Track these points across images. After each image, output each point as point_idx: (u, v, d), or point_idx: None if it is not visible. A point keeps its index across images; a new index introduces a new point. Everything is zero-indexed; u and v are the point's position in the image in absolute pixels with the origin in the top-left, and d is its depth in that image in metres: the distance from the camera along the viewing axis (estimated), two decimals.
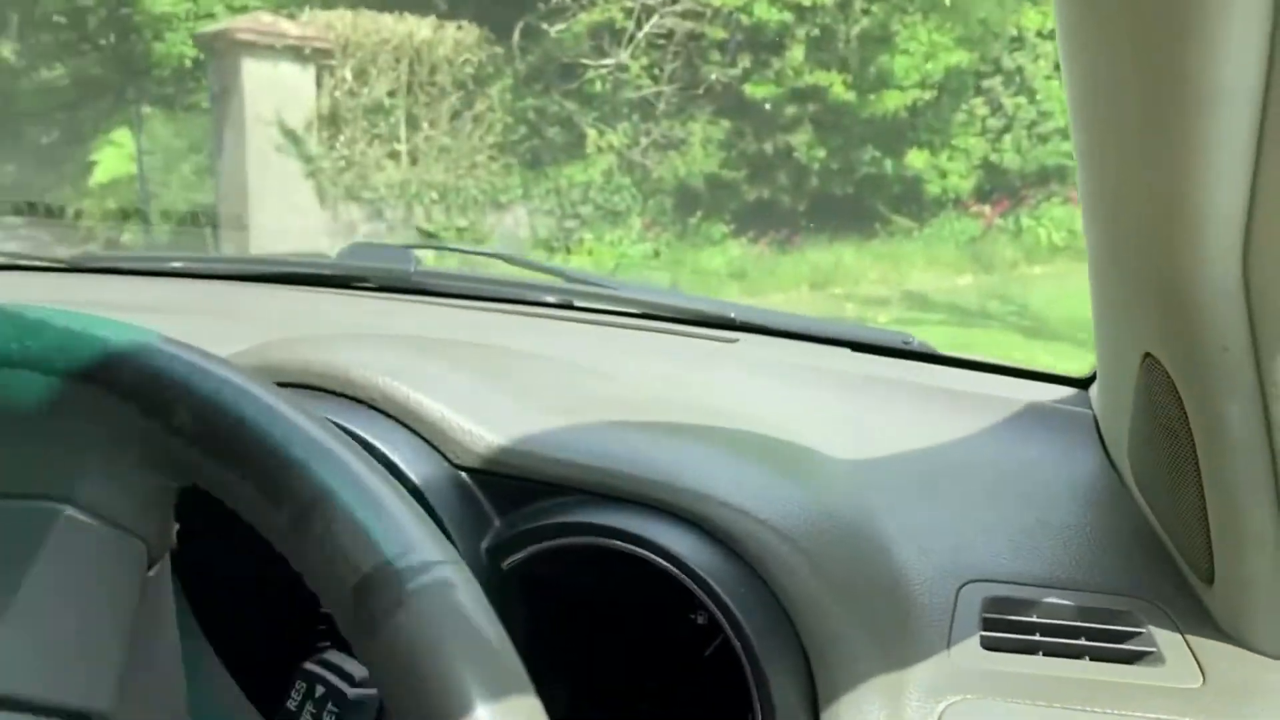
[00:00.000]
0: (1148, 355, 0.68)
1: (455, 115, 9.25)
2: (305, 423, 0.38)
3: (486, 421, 0.76)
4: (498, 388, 0.82)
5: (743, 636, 0.66)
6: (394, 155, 9.16)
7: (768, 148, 9.20)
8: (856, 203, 9.04)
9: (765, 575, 0.70)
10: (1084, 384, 1.05)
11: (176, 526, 0.44)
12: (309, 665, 0.67)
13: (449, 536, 0.69)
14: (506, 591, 0.72)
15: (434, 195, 9.08)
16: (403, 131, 9.14)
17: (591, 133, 9.26)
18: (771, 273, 8.70)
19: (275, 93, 8.77)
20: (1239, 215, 0.55)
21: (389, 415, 0.74)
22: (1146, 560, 0.78)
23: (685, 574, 0.67)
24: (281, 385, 0.75)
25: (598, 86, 9.35)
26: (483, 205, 9.14)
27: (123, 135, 10.13)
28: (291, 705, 0.67)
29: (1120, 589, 0.76)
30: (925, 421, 0.99)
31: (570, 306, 1.31)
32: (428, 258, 1.41)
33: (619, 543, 0.69)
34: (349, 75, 9.01)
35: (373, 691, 0.67)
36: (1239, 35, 0.46)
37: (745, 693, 0.67)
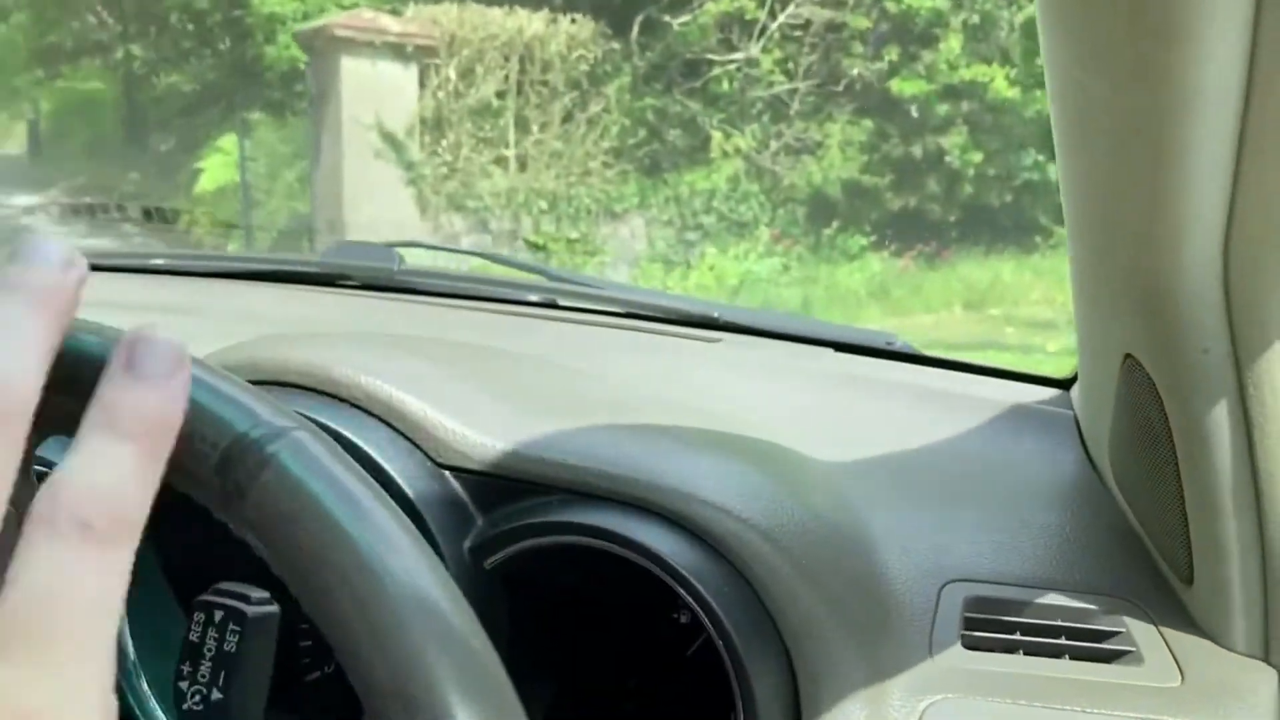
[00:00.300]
0: (1129, 357, 0.69)
1: (568, 117, 8.59)
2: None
3: (469, 420, 0.75)
4: (481, 387, 0.82)
5: (725, 635, 0.66)
6: (501, 161, 8.53)
7: (915, 151, 8.29)
8: (1016, 212, 8.10)
9: (747, 574, 0.70)
10: (1065, 385, 1.05)
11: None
12: (203, 597, 0.68)
13: (431, 535, 0.69)
14: (489, 590, 0.71)
15: (543, 204, 8.37)
16: (510, 135, 8.53)
17: (716, 135, 8.44)
18: (918, 291, 7.81)
19: (374, 94, 8.19)
20: (1220, 218, 0.55)
21: (371, 414, 0.74)
22: (1126, 560, 0.79)
23: (667, 573, 0.67)
24: (262, 383, 0.74)
25: (724, 84, 8.52)
26: (596, 215, 8.41)
27: (229, 142, 9.83)
28: (194, 637, 0.67)
29: (1100, 589, 0.76)
30: (908, 422, 0.99)
31: (554, 305, 1.31)
32: (411, 256, 1.41)
33: (602, 542, 0.69)
34: (453, 74, 8.41)
35: (273, 608, 0.68)
36: (1220, 38, 0.47)
37: (727, 691, 0.67)
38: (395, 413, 0.74)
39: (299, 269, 1.39)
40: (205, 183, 9.71)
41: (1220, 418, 0.63)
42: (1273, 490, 0.64)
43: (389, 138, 8.27)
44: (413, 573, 0.35)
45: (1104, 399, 0.79)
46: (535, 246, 8.00)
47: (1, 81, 13.75)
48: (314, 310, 1.27)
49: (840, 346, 1.20)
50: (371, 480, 0.37)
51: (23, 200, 10.18)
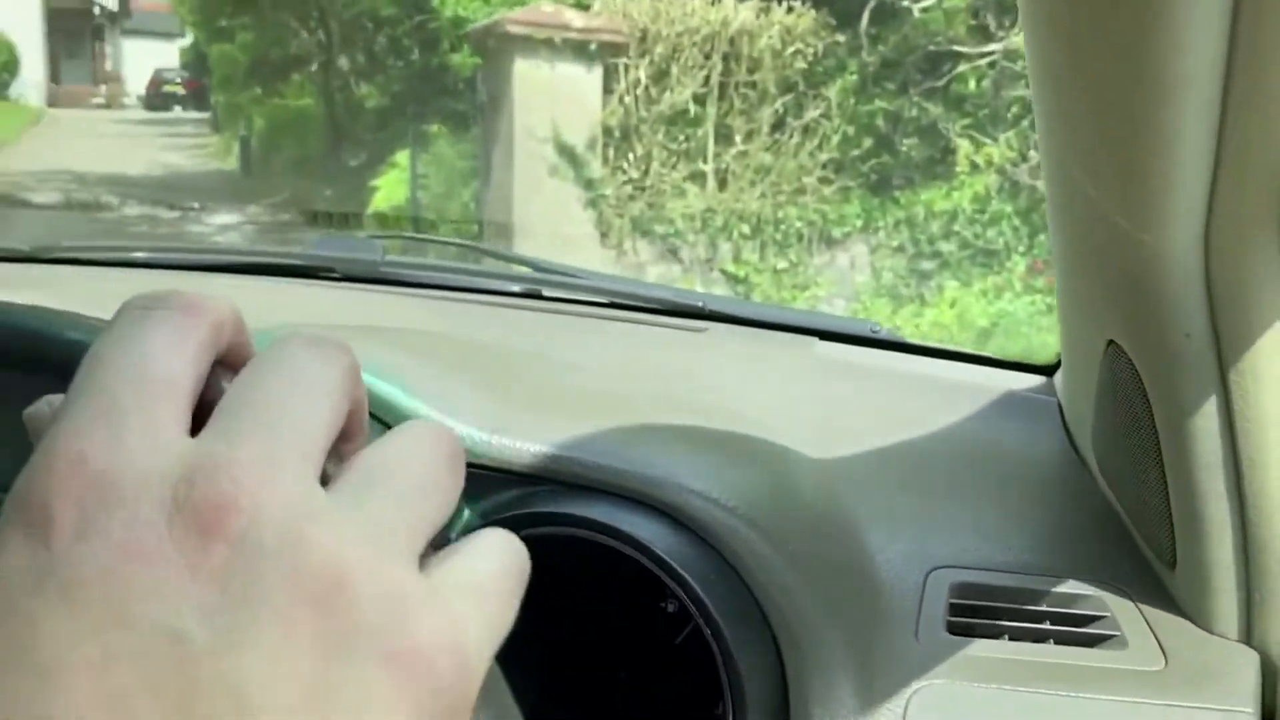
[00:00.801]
0: (1111, 343, 0.69)
1: (778, 125, 7.05)
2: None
3: (456, 412, 0.75)
4: (466, 378, 0.82)
5: (712, 623, 0.67)
6: (697, 177, 7.05)
7: None
8: None
9: (735, 563, 0.70)
10: (1049, 371, 1.06)
11: None
12: None
13: None
14: None
15: (745, 229, 6.89)
16: (709, 147, 7.03)
17: (962, 145, 6.65)
18: None
19: (551, 100, 6.99)
20: (1201, 204, 0.56)
21: None
22: (1110, 545, 0.79)
23: (655, 562, 0.68)
24: None
25: (971, 84, 6.75)
26: (809, 241, 6.88)
27: (406, 157, 9.30)
28: None
29: (1084, 573, 0.76)
30: (893, 409, 1.00)
31: (539, 296, 1.31)
32: (395, 247, 1.40)
33: (589, 532, 0.69)
34: (644, 76, 7.00)
35: None
36: (1200, 24, 0.47)
37: (715, 680, 0.67)
38: (381, 404, 0.74)
39: (283, 261, 1.38)
40: (379, 201, 9.16)
41: (1202, 402, 0.63)
42: (1254, 474, 0.65)
43: (566, 151, 6.97)
44: None
45: (1087, 385, 0.79)
46: (735, 279, 6.86)
47: (228, 99, 13.81)
48: (298, 303, 1.27)
49: (826, 335, 1.20)
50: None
51: (221, 219, 9.93)
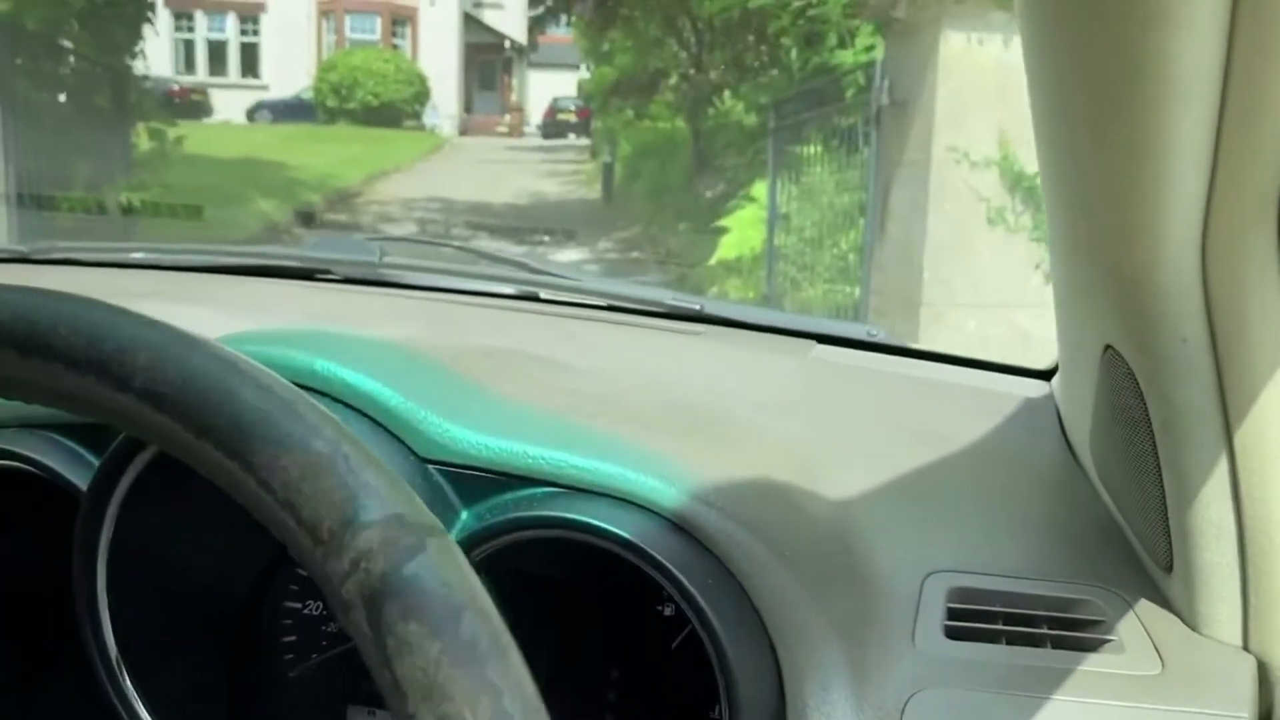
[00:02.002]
0: (1108, 347, 0.69)
1: None
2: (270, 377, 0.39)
3: (452, 414, 0.75)
4: (463, 380, 0.82)
5: (709, 627, 0.66)
6: None
7: None
8: None
9: (731, 567, 0.70)
10: (1046, 375, 1.06)
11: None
12: None
13: None
14: None
15: None
16: None
17: None
18: None
19: (996, 98, 4.39)
20: (1198, 209, 0.56)
21: (353, 407, 0.74)
22: (1107, 549, 0.79)
23: (652, 566, 0.68)
24: None
25: None
26: None
27: (764, 189, 7.10)
28: None
29: (1081, 578, 0.76)
30: (890, 413, 1.00)
31: (535, 298, 1.31)
32: (392, 249, 1.40)
33: (586, 535, 0.69)
34: None
35: None
36: (1198, 29, 0.47)
37: (712, 683, 0.67)
38: (378, 406, 0.74)
39: (281, 263, 1.38)
40: (726, 248, 7.13)
41: (1199, 407, 0.63)
42: (1251, 479, 0.65)
43: (1017, 179, 4.55)
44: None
45: (1084, 389, 0.79)
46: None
47: (603, 123, 13.55)
48: (296, 305, 1.26)
49: (823, 338, 1.20)
50: (491, 604, 0.36)
51: (566, 254, 9.16)
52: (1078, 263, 0.69)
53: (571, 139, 19.72)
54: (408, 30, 21.79)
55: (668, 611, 0.79)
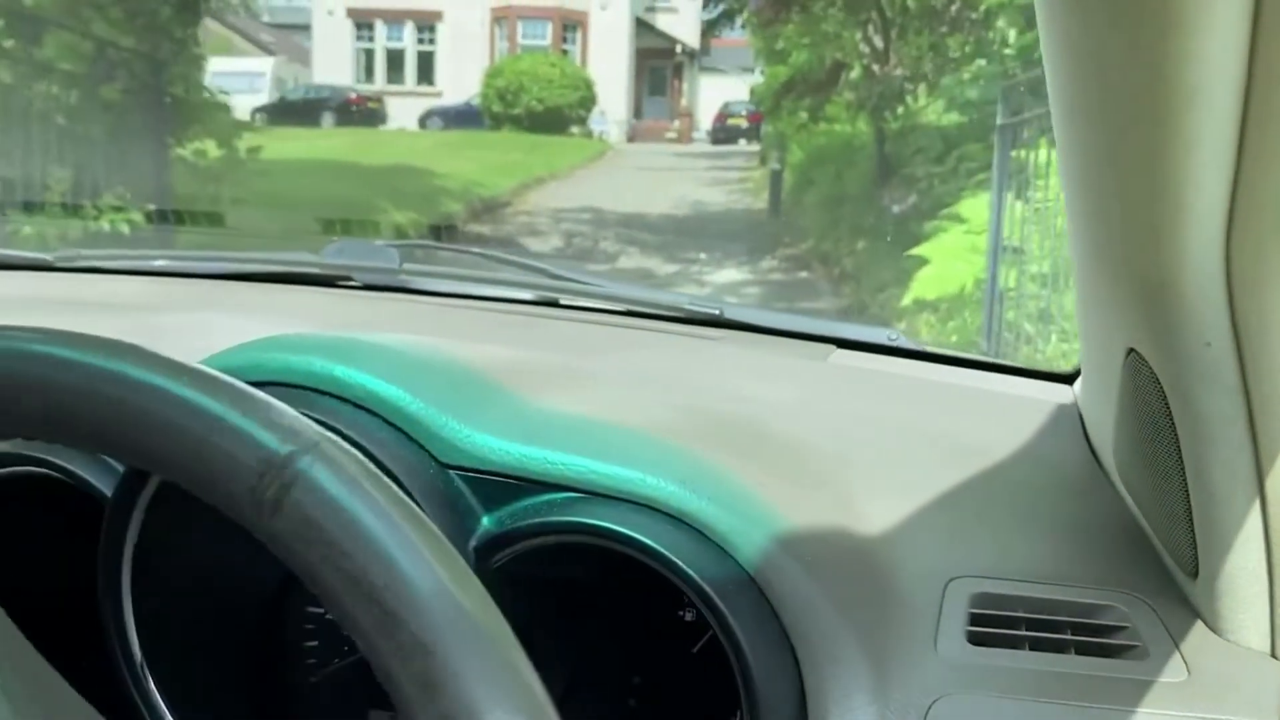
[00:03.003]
0: (1131, 351, 0.69)
1: None
2: (166, 358, 0.40)
3: (473, 420, 0.75)
4: (483, 385, 0.82)
5: (730, 633, 0.66)
6: None
7: None
8: None
9: (752, 572, 0.70)
10: (1068, 379, 1.05)
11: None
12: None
13: None
14: (495, 589, 0.71)
15: None
16: None
17: None
18: None
19: None
20: (1221, 211, 0.55)
21: (375, 414, 0.74)
22: (1131, 554, 0.79)
23: (673, 572, 0.68)
24: (266, 384, 0.74)
25: None
26: None
27: (975, 206, 5.73)
28: None
29: (1105, 583, 0.76)
30: (911, 418, 0.99)
31: (555, 304, 1.31)
32: (412, 255, 1.41)
33: (607, 541, 0.69)
34: None
35: None
36: (1221, 30, 0.46)
37: (733, 688, 0.67)
38: (399, 413, 0.74)
39: (302, 270, 1.39)
40: (924, 285, 5.46)
41: (1224, 411, 0.63)
42: (1276, 483, 0.64)
43: None
44: (444, 582, 0.35)
45: (1107, 393, 0.79)
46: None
47: (774, 127, 12.15)
48: (317, 311, 1.27)
49: (843, 343, 1.20)
50: (399, 492, 0.37)
51: (724, 274, 8.31)
52: (1100, 266, 0.69)
53: (742, 145, 19.04)
54: (578, 35, 21.72)
55: (689, 617, 0.79)
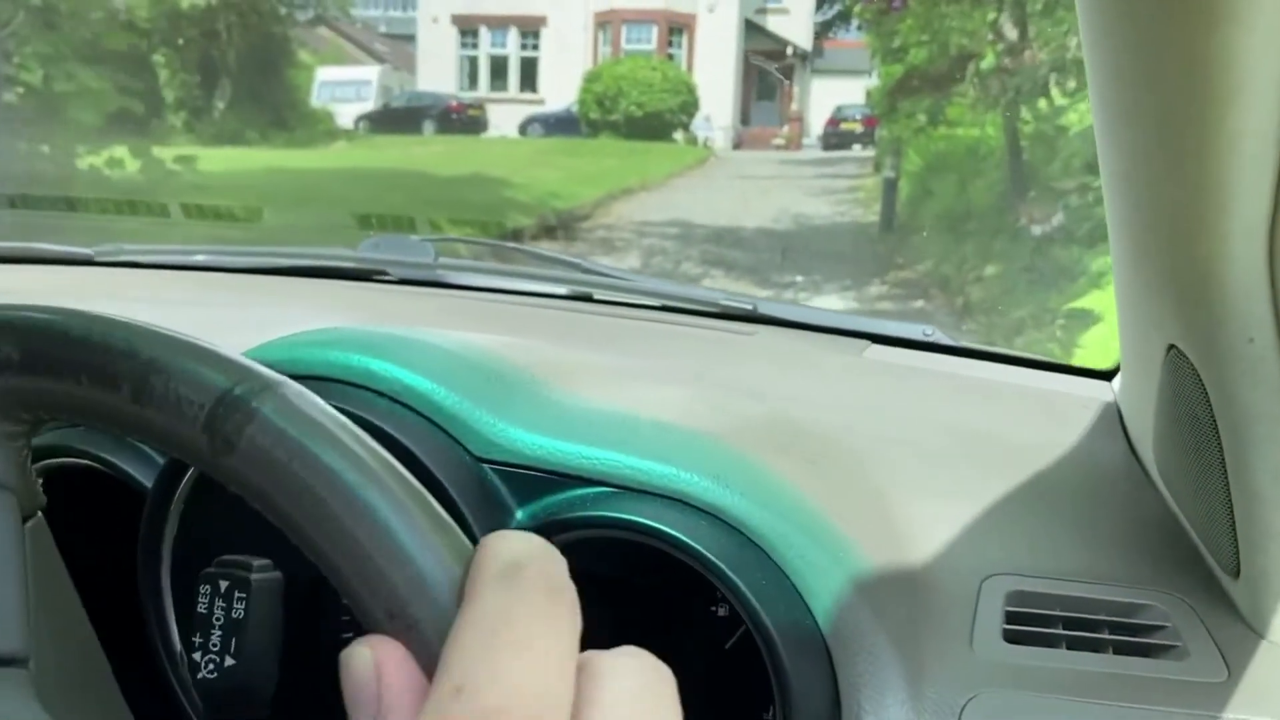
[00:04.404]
0: (1172, 347, 0.68)
1: None
2: (120, 320, 0.41)
3: (507, 414, 0.76)
4: (517, 380, 0.82)
5: (763, 629, 0.66)
6: None
7: None
8: None
9: (786, 568, 0.70)
10: (1108, 376, 1.04)
11: (40, 481, 0.47)
12: (207, 570, 0.70)
13: (469, 528, 0.70)
14: None
15: None
16: None
17: None
18: None
19: None
20: (1265, 206, 0.54)
21: (409, 407, 0.74)
22: (1171, 553, 0.78)
23: (706, 567, 0.67)
24: (301, 378, 0.75)
25: None
26: None
27: None
28: (201, 608, 0.70)
29: (1144, 582, 0.75)
30: (946, 414, 0.99)
31: (589, 299, 1.31)
32: (447, 249, 1.42)
33: (641, 536, 0.69)
34: None
35: (275, 574, 0.70)
36: (1265, 26, 0.46)
37: (766, 684, 0.67)
38: (433, 406, 0.75)
39: (338, 264, 1.40)
40: (1093, 350, 4.61)
41: (1266, 408, 0.62)
42: None
43: None
44: (400, 500, 0.36)
45: (1147, 390, 0.78)
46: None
47: (889, 131, 10.78)
48: (353, 305, 1.28)
49: (878, 339, 1.19)
50: (349, 422, 0.38)
51: (828, 301, 7.03)
52: (1140, 261, 0.68)
53: (856, 150, 17.57)
54: (684, 39, 20.84)
55: (722, 612, 0.79)
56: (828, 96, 21.30)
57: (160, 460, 0.78)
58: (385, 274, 1.36)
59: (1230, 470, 0.66)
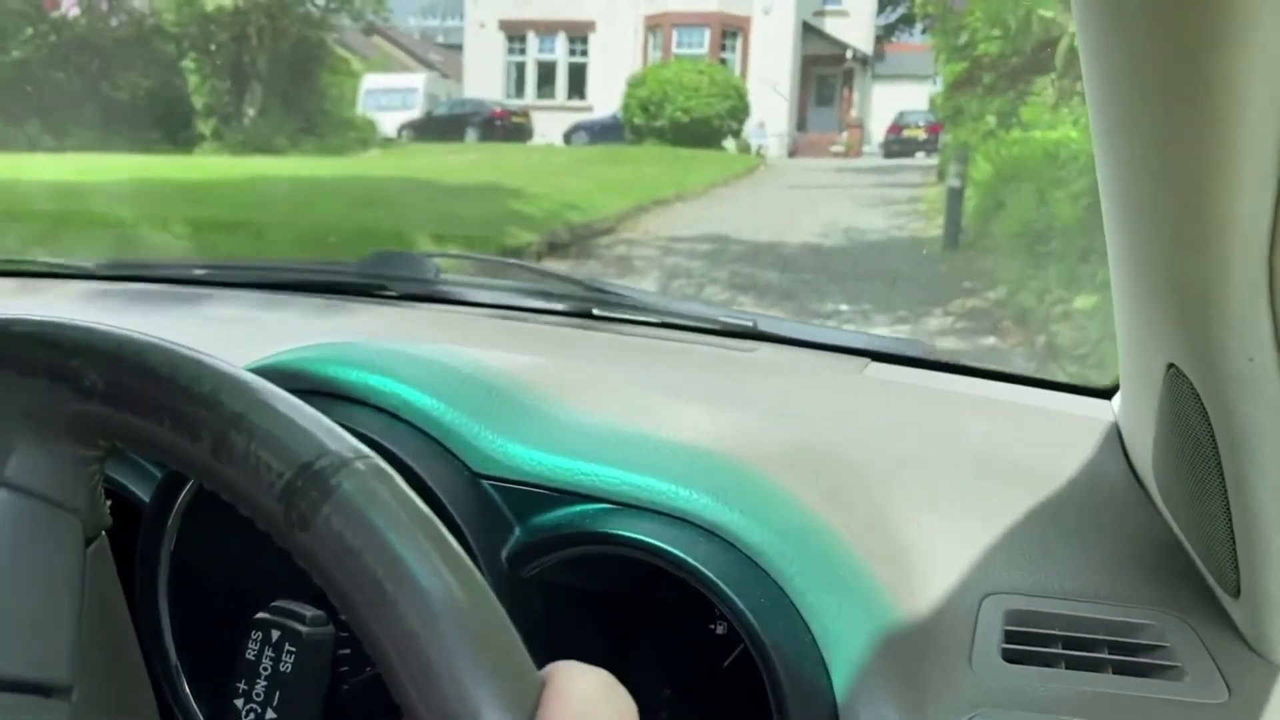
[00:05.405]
0: (1172, 366, 0.68)
1: None
2: (209, 360, 0.40)
3: (506, 430, 0.76)
4: (517, 396, 0.82)
5: (761, 647, 0.66)
6: None
7: None
8: None
9: (785, 587, 0.70)
10: (1107, 394, 1.04)
11: (109, 503, 0.46)
12: (261, 615, 0.69)
13: (468, 544, 0.70)
14: (527, 598, 0.72)
15: None
16: None
17: None
18: None
19: None
20: (1265, 224, 0.54)
21: (409, 423, 0.74)
22: (1170, 573, 0.78)
23: (704, 585, 0.67)
24: (302, 393, 0.75)
25: None
26: None
27: None
28: (250, 655, 0.69)
29: (1144, 601, 0.75)
30: (946, 432, 0.99)
31: (589, 315, 1.31)
32: (449, 265, 1.42)
33: (639, 553, 0.69)
34: None
35: (328, 628, 0.70)
36: (1265, 42, 0.46)
37: (764, 702, 0.66)
38: (433, 422, 0.75)
39: (339, 279, 1.40)
40: None
41: (1267, 427, 0.62)
42: None
43: None
44: (472, 617, 0.35)
45: (1147, 409, 0.78)
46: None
47: (954, 134, 9.62)
48: (353, 320, 1.28)
49: (877, 356, 1.19)
50: (432, 515, 0.37)
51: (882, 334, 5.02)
52: (1139, 278, 0.68)
53: (919, 159, 16.58)
54: (737, 42, 20.05)
55: (720, 630, 0.79)
56: (889, 102, 20.66)
57: (158, 475, 0.78)
58: (386, 289, 1.36)
59: (1230, 489, 0.66)
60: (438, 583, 0.35)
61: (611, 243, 9.43)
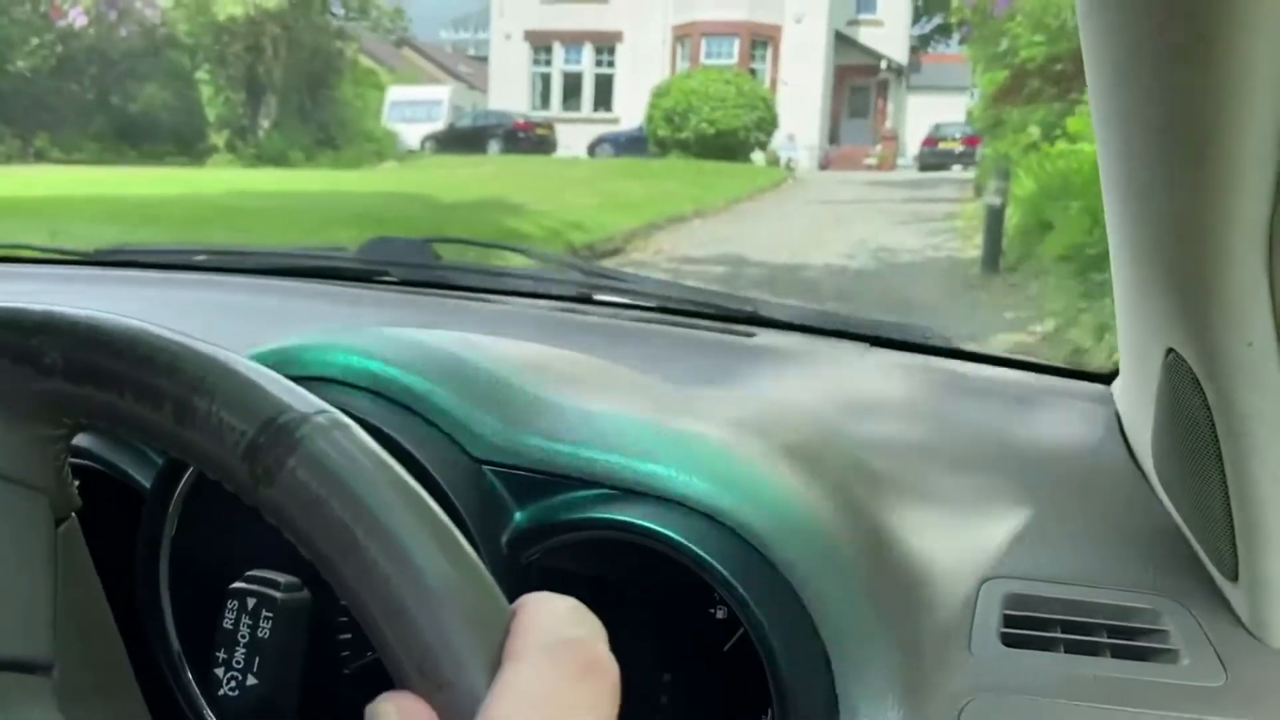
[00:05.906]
0: (1171, 350, 0.68)
1: None
2: (165, 332, 0.41)
3: (506, 415, 0.76)
4: (517, 381, 0.82)
5: (761, 632, 0.66)
6: None
7: None
8: None
9: (785, 571, 0.70)
10: (1107, 379, 1.04)
11: (77, 483, 0.46)
12: (236, 585, 0.70)
13: (468, 529, 0.70)
14: (526, 583, 0.72)
15: None
16: None
17: None
18: None
19: None
20: (1263, 210, 0.54)
21: (409, 408, 0.74)
22: (1169, 557, 0.78)
23: (705, 570, 0.67)
24: (302, 378, 0.75)
25: None
26: None
27: None
28: (228, 624, 0.70)
29: (1142, 585, 0.75)
30: (945, 416, 0.99)
31: (588, 300, 1.31)
32: (448, 251, 1.42)
33: (639, 537, 0.69)
34: None
35: (303, 593, 0.71)
36: (1266, 31, 0.46)
37: (763, 687, 0.67)
38: (432, 407, 0.75)
39: (339, 265, 1.40)
40: None
41: (1265, 412, 0.62)
42: None
43: None
44: (440, 553, 0.35)
45: (1146, 393, 0.78)
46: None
47: (994, 147, 8.82)
48: (353, 306, 1.28)
49: (878, 341, 1.19)
50: (395, 463, 0.37)
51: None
52: (1139, 264, 0.68)
53: (957, 172, 15.73)
54: (767, 53, 19.44)
55: (720, 615, 0.79)
56: (925, 115, 19.95)
57: (159, 460, 0.78)
58: (386, 275, 1.36)
59: (1228, 473, 0.66)
60: (406, 524, 0.35)
61: (618, 264, 8.61)
